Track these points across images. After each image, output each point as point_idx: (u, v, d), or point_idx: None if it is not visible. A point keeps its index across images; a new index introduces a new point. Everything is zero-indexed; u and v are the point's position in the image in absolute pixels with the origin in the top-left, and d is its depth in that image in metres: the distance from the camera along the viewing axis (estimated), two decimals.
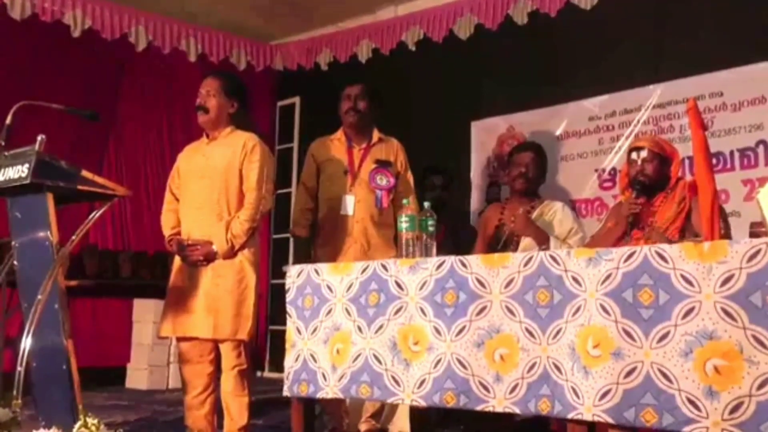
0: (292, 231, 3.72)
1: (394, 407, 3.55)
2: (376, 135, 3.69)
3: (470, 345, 2.39)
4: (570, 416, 2.12)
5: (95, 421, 2.43)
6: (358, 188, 3.58)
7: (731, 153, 4.14)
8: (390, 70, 5.39)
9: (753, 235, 2.50)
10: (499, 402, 2.31)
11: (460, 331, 2.42)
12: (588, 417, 2.08)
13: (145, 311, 5.64)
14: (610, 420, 2.04)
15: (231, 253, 3.18)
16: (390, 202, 3.59)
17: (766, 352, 1.88)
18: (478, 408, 2.35)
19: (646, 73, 4.54)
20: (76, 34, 5.16)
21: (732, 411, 1.90)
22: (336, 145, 3.70)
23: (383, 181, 3.58)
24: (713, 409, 1.92)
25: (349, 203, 3.55)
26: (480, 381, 2.35)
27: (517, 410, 2.27)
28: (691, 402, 1.96)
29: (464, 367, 2.38)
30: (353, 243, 3.53)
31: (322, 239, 3.62)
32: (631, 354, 2.06)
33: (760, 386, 1.88)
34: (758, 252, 1.95)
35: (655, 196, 3.06)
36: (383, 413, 3.58)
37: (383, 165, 3.61)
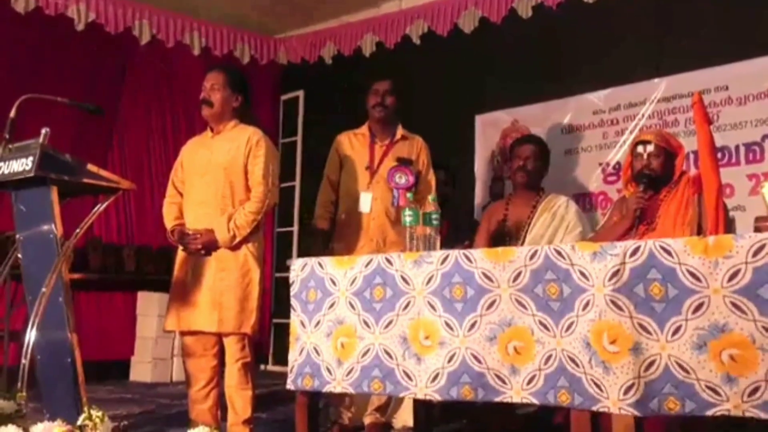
0: (314, 223, 3.68)
1: (398, 401, 3.55)
2: (399, 132, 3.67)
3: (483, 339, 2.39)
4: (595, 408, 2.14)
5: (99, 414, 2.43)
6: (377, 185, 3.57)
7: (737, 147, 4.12)
8: (394, 64, 5.37)
9: (758, 229, 2.50)
10: (516, 393, 2.32)
11: (472, 325, 2.41)
12: (615, 410, 2.10)
13: (149, 305, 5.66)
14: (636, 413, 2.07)
15: (232, 244, 3.18)
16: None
17: None
18: (497, 399, 2.36)
19: (650, 66, 4.52)
20: (80, 27, 5.16)
21: (750, 394, 1.94)
22: (359, 140, 3.68)
23: (402, 179, 3.54)
24: (733, 393, 1.96)
25: (367, 200, 3.53)
26: (496, 374, 2.35)
27: (535, 401, 2.28)
28: (710, 389, 2.00)
29: (479, 361, 2.38)
30: (368, 240, 3.52)
31: (339, 234, 3.61)
32: (648, 347, 2.08)
33: None
34: (763, 246, 1.96)
35: (660, 190, 3.05)
36: (389, 407, 3.58)
37: (404, 163, 3.58)
